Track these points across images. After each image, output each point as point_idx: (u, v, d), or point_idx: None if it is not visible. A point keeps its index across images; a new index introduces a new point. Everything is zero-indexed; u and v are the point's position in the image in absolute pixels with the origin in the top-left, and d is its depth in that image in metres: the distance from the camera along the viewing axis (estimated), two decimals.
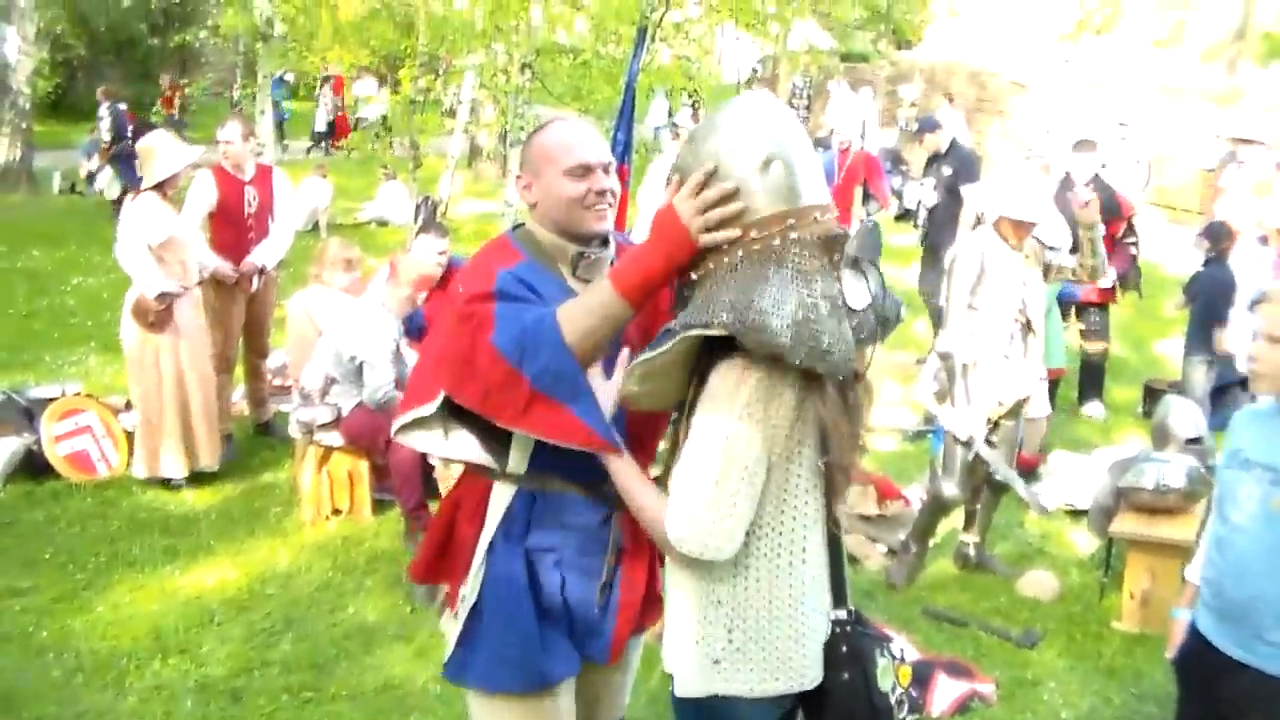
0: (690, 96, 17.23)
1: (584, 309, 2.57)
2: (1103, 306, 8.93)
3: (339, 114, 23.90)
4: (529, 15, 13.51)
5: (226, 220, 7.58)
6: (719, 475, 2.34)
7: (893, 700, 2.59)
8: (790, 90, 27.25)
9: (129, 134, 16.89)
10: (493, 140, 19.94)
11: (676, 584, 2.57)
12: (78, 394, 7.64)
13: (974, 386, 5.73)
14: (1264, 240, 8.88)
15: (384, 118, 13.90)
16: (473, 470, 2.91)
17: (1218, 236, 8.45)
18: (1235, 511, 3.21)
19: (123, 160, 16.54)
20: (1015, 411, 5.94)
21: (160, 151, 6.91)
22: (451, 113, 16.76)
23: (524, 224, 2.95)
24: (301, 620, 5.49)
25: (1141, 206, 14.65)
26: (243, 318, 7.70)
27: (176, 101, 22.30)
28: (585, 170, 2.81)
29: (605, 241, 2.89)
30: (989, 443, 5.88)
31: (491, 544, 2.87)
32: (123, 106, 17.90)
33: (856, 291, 2.44)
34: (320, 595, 5.75)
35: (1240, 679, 3.18)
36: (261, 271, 7.66)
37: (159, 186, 6.86)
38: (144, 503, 6.87)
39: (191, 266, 7.09)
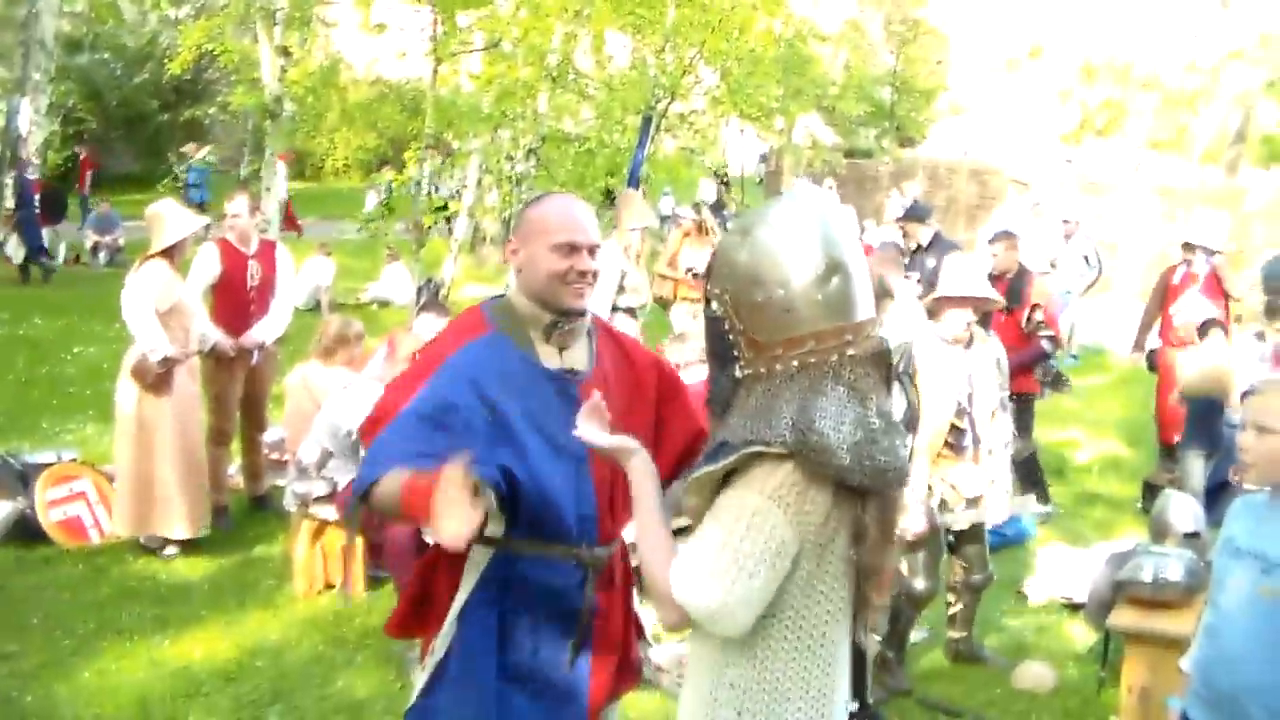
0: (717, 175, 17.37)
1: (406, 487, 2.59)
2: (1024, 399, 8.64)
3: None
4: (536, 102, 13.71)
5: (229, 293, 7.62)
6: (736, 544, 2.30)
7: None
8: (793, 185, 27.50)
9: (33, 201, 17.39)
10: (496, 225, 20.12)
11: (693, 661, 2.55)
12: (73, 460, 7.64)
13: (914, 483, 5.51)
14: (1260, 335, 8.91)
15: (386, 202, 14.02)
16: None
17: (1212, 329, 8.46)
18: (1225, 599, 3.24)
19: (26, 226, 16.86)
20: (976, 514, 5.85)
21: (168, 218, 7.01)
22: (455, 197, 16.94)
23: (503, 294, 3.06)
24: (290, 693, 5.43)
25: (1080, 300, 14.71)
26: (240, 391, 7.71)
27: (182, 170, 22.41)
28: (572, 249, 2.90)
29: (581, 314, 2.97)
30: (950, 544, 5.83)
31: (466, 603, 2.90)
32: (29, 175, 18.07)
33: (898, 403, 2.46)
34: (310, 669, 5.69)
35: None
36: (261, 347, 7.67)
37: (167, 253, 6.92)
38: (135, 571, 6.83)
39: (191, 335, 7.11)
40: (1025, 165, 25.94)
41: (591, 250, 2.94)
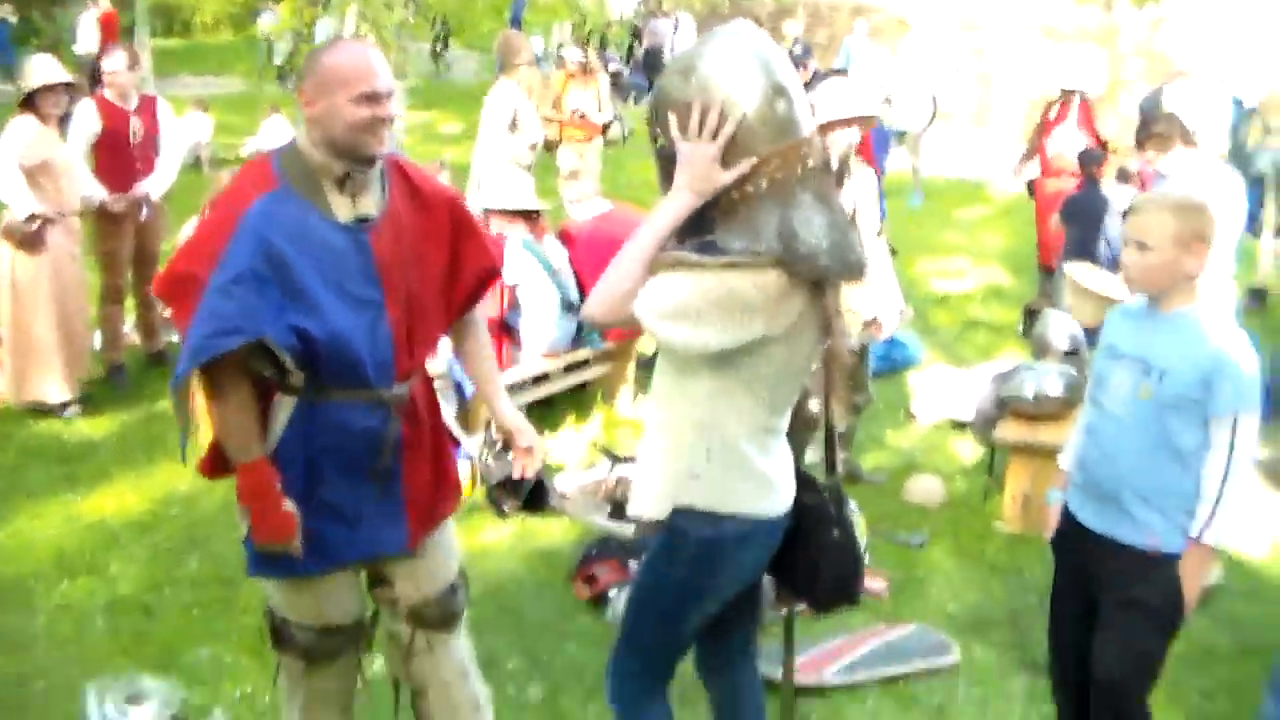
0: (578, 30, 17.20)
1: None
2: None
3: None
4: None
5: (112, 151, 7.44)
6: (707, 300, 2.55)
7: (862, 552, 3.01)
8: (674, 24, 27.25)
9: None
10: None
11: (656, 419, 2.84)
12: None
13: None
14: (1123, 176, 9.28)
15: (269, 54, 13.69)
16: (254, 381, 2.99)
17: (1090, 161, 8.74)
18: (1107, 399, 3.48)
19: None
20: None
21: (34, 68, 6.87)
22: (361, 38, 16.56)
23: (293, 143, 3.05)
24: (206, 540, 5.52)
25: (925, 138, 14.75)
26: (131, 249, 7.62)
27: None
28: (374, 98, 2.91)
29: (373, 161, 3.01)
30: None
31: (275, 448, 3.01)
32: None
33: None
34: (224, 515, 5.74)
35: (1107, 552, 3.47)
36: (148, 200, 7.58)
37: (36, 110, 6.78)
38: (39, 432, 6.83)
39: (69, 193, 7.01)
40: (906, 2, 25.95)
41: (390, 95, 2.96)
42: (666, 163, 2.66)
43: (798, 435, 5.79)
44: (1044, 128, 9.67)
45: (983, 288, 10.90)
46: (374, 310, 2.99)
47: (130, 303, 7.89)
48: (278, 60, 21.21)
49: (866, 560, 3.10)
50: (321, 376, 2.96)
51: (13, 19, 23.68)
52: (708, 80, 2.56)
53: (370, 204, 3.04)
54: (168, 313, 8.06)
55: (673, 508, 2.77)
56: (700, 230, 2.64)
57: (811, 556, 2.93)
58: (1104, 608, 3.51)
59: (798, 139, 2.61)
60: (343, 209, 2.98)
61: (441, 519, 3.35)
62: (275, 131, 16.19)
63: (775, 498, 2.81)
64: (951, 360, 8.56)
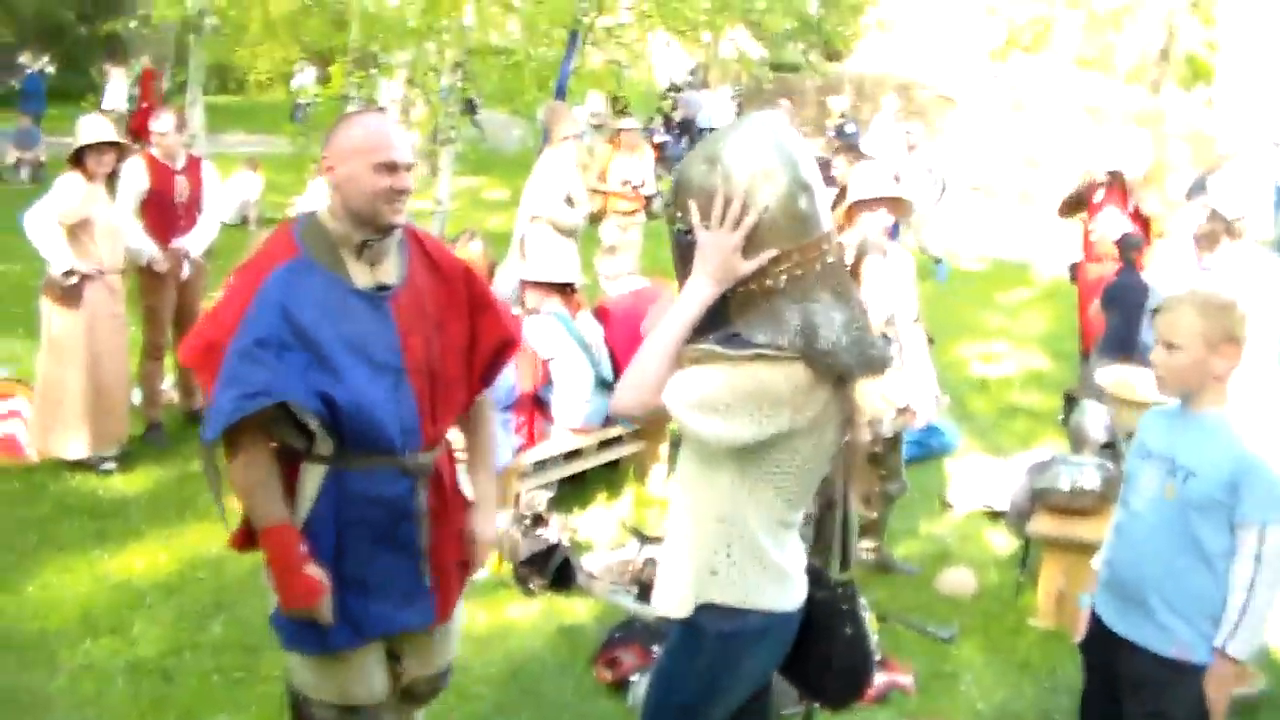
0: (617, 100, 17.32)
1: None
2: None
3: (140, 108, 21.48)
4: (462, 14, 13.55)
5: (158, 209, 7.58)
6: (735, 384, 2.54)
7: (873, 647, 2.99)
8: (708, 97, 27.43)
9: None
10: (423, 139, 19.93)
11: (679, 509, 2.82)
12: (6, 379, 7.60)
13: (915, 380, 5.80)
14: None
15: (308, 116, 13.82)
16: (282, 450, 3.05)
17: (1129, 246, 8.65)
18: (1135, 498, 3.45)
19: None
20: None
21: (83, 127, 6.97)
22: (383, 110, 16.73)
23: (314, 213, 3.12)
24: (233, 604, 5.51)
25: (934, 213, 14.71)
26: (173, 306, 7.69)
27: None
28: (392, 168, 2.99)
29: (394, 229, 3.07)
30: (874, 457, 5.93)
31: (305, 519, 3.04)
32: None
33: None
34: (251, 579, 5.69)
35: (1133, 658, 3.40)
36: (189, 258, 7.65)
37: (83, 167, 6.87)
38: (73, 487, 6.85)
39: (111, 252, 7.07)
40: (951, 80, 26.06)
41: (408, 168, 3.04)
42: (684, 249, 2.67)
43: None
44: (1089, 211, 9.57)
45: (1023, 373, 10.82)
46: (395, 376, 3.04)
47: (170, 360, 7.94)
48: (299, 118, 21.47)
49: (878, 656, 3.08)
50: (347, 443, 2.99)
51: (50, 69, 24.14)
52: (731, 170, 2.57)
53: (389, 272, 3.11)
54: None
55: (694, 605, 2.74)
56: (715, 323, 2.64)
57: (823, 651, 2.91)
58: (1131, 718, 3.44)
59: (818, 235, 2.62)
60: (362, 276, 3.05)
61: (461, 595, 3.38)
62: (322, 192, 16.34)
63: (792, 591, 2.80)
64: (989, 448, 8.48)
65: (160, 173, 7.56)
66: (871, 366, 2.63)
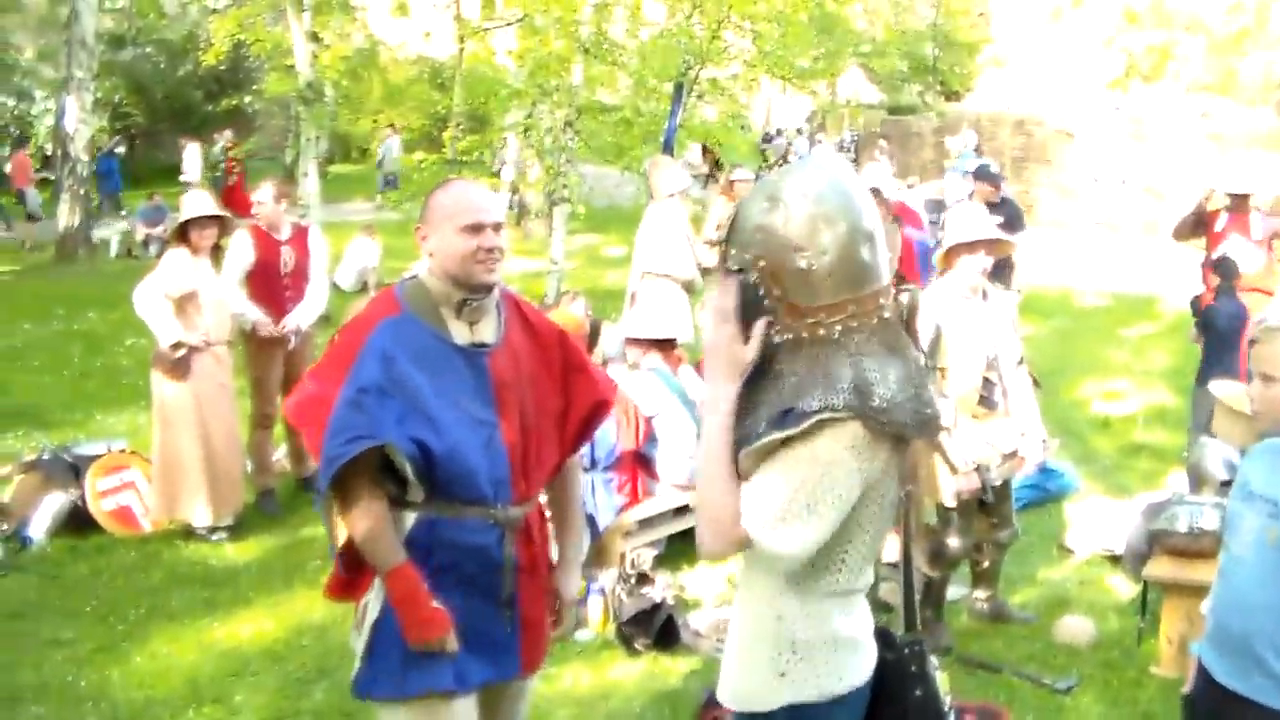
0: (707, 152, 17.38)
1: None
2: None
3: (233, 179, 22.28)
4: (570, 74, 13.71)
5: (264, 280, 7.70)
6: (811, 489, 2.42)
7: (947, 708, 2.82)
8: (838, 144, 27.37)
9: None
10: (539, 199, 20.14)
11: (743, 602, 2.70)
12: (122, 450, 7.78)
13: (954, 450, 5.52)
14: None
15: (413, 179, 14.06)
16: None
17: (1228, 271, 8.32)
18: (1236, 543, 3.24)
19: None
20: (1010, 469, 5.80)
21: (187, 202, 7.17)
22: (498, 173, 17.00)
23: (416, 275, 3.25)
24: (335, 670, 5.51)
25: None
26: (280, 375, 7.82)
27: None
28: (478, 229, 3.10)
29: (490, 289, 3.17)
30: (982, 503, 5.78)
31: None
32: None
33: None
34: None
35: (1240, 712, 3.17)
36: (297, 331, 7.78)
37: (187, 240, 7.04)
38: (185, 556, 6.97)
39: (217, 324, 7.22)
40: (1070, 114, 25.63)
41: (496, 227, 3.14)
42: (747, 292, 2.55)
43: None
44: (1209, 240, 9.19)
45: (1146, 410, 10.48)
46: (489, 430, 3.12)
47: (281, 429, 8.06)
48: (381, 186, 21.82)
49: (951, 718, 2.94)
50: (438, 490, 3.06)
51: (120, 150, 24.99)
52: (792, 211, 2.48)
53: (487, 331, 3.21)
54: None
55: (767, 711, 2.63)
56: (764, 371, 2.55)
57: (895, 715, 2.78)
58: None
59: (877, 287, 2.52)
60: (461, 334, 3.15)
61: (545, 651, 3.41)
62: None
63: (865, 660, 2.67)
64: (1111, 489, 8.21)
65: (265, 243, 7.70)
66: (927, 427, 2.51)
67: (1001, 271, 9.79)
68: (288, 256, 7.74)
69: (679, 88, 12.77)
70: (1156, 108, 25.99)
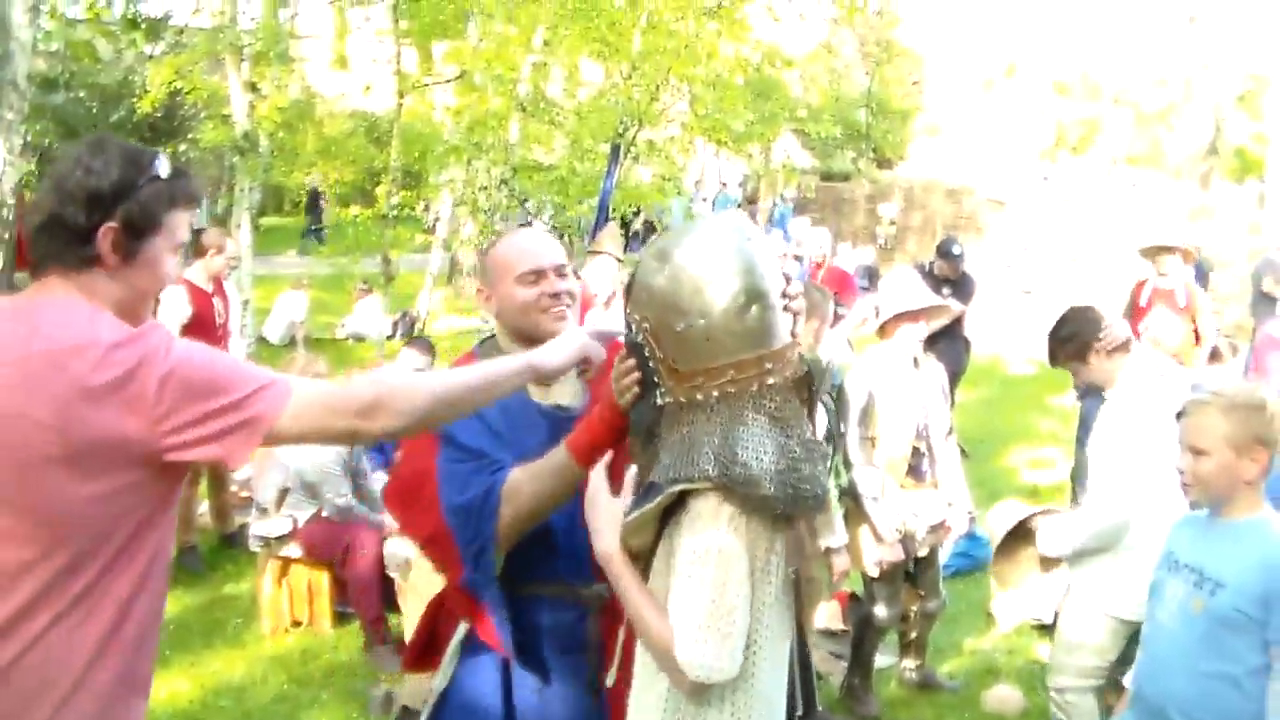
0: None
1: (536, 474, 2.69)
2: None
3: None
4: (507, 132, 13.72)
5: (200, 333, 7.47)
6: (716, 593, 2.29)
7: None
8: (770, 207, 27.60)
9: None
10: (472, 256, 20.05)
11: (641, 693, 2.53)
12: None
13: (881, 519, 5.48)
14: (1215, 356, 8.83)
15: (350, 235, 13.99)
16: None
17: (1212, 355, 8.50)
18: (1161, 611, 3.27)
19: None
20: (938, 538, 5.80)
21: None
22: (431, 229, 16.93)
23: (492, 335, 3.05)
24: None
25: None
26: None
27: None
28: (537, 275, 2.89)
29: None
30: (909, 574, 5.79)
31: (465, 640, 2.93)
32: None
33: (819, 424, 2.46)
34: (274, 708, 5.66)
35: None
36: None
37: None
38: None
39: None
40: (1000, 184, 26.05)
41: (558, 271, 2.93)
42: (636, 352, 2.47)
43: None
44: (1134, 313, 9.24)
45: None
46: (573, 502, 2.77)
47: (204, 487, 7.91)
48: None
49: None
50: (518, 565, 2.83)
51: None
52: (679, 270, 2.36)
53: (567, 393, 2.97)
54: (242, 494, 8.13)
55: None
56: (651, 438, 2.48)
57: None
58: None
59: (762, 351, 2.38)
60: (538, 394, 2.92)
61: None
62: (369, 312, 16.46)
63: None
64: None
65: (200, 298, 7.60)
66: (801, 505, 2.35)
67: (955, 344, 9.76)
68: (220, 308, 7.65)
69: (615, 148, 12.81)
70: (1085, 179, 26.47)
